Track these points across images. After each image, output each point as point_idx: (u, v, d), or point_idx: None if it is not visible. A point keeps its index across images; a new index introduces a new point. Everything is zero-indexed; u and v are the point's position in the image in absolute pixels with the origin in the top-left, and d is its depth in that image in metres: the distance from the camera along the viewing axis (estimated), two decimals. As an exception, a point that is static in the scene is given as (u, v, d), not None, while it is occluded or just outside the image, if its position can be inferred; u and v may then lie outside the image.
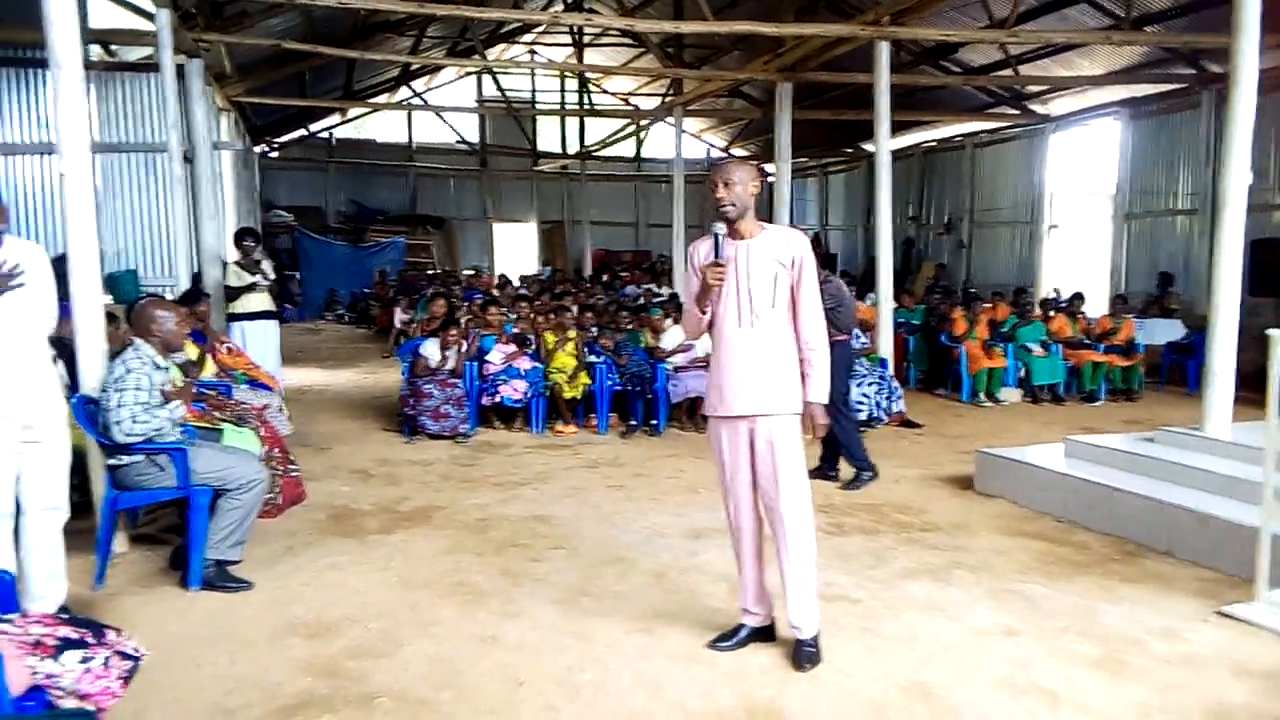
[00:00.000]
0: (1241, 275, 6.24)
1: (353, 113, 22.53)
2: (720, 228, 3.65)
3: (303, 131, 22.54)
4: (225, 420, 5.28)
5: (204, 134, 10.11)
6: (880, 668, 3.66)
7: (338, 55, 13.02)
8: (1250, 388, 6.26)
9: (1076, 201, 16.70)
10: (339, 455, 7.54)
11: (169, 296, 7.11)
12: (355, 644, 3.87)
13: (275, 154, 22.59)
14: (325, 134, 23.46)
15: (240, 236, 9.01)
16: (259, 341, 8.57)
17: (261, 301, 8.72)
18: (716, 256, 3.61)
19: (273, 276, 8.89)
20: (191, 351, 6.31)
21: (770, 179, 13.36)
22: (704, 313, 3.73)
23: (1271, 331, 4.37)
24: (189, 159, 10.09)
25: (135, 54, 11.86)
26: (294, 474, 5.64)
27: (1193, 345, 11.00)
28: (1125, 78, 13.94)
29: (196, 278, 9.52)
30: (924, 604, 4.38)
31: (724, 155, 26.22)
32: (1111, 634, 4.03)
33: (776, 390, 3.64)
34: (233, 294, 8.65)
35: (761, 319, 3.63)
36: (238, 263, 8.75)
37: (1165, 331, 12.06)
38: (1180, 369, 11.69)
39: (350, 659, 3.72)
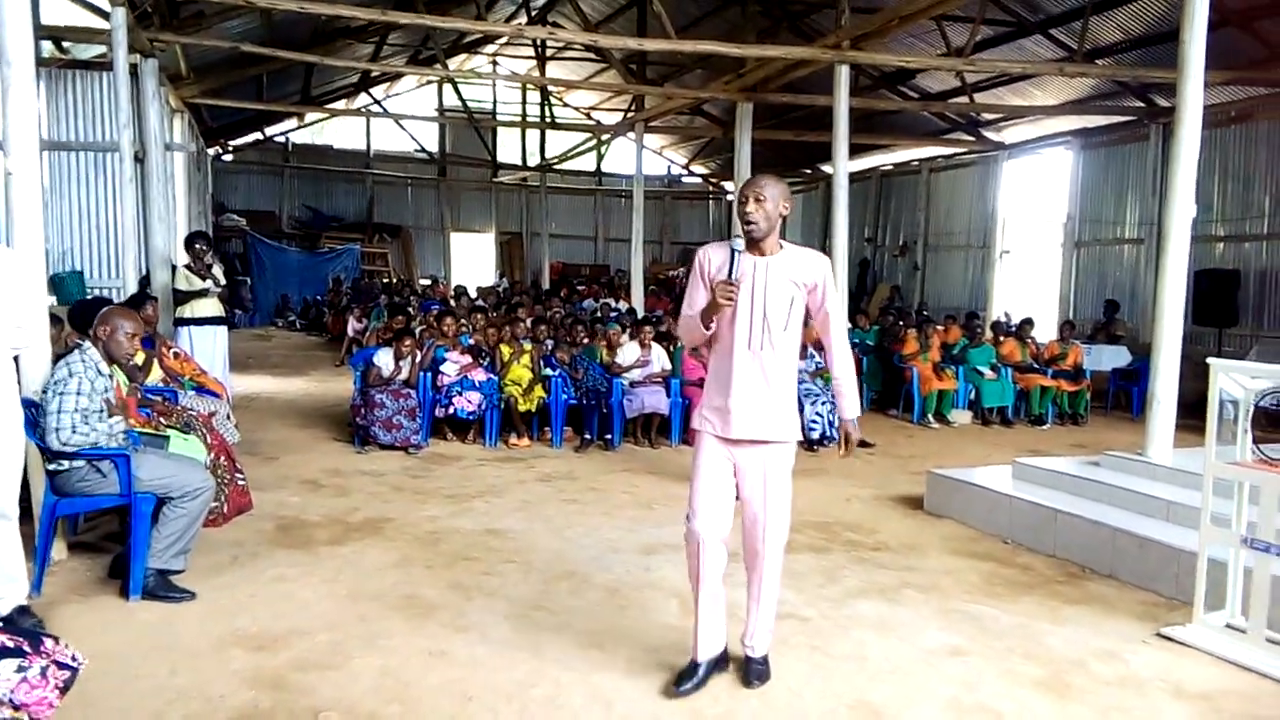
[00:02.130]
0: (1185, 305, 6.41)
1: (310, 118, 22.31)
2: (739, 243, 3.47)
3: (258, 135, 22.25)
4: (171, 427, 5.17)
5: (157, 135, 9.94)
6: (829, 686, 3.68)
7: (296, 60, 12.89)
8: (1192, 415, 6.43)
9: (1028, 228, 17.04)
10: (288, 464, 7.42)
11: (116, 299, 6.97)
12: (301, 656, 3.80)
13: (230, 157, 22.26)
14: (282, 138, 23.19)
15: (191, 240, 8.86)
16: (207, 347, 8.42)
17: (211, 307, 8.57)
18: (730, 274, 3.42)
19: (224, 281, 8.75)
20: (138, 356, 6.18)
21: (729, 197, 13.44)
22: (708, 328, 3.54)
23: (1212, 360, 4.49)
24: (140, 159, 9.91)
25: (89, 52, 11.65)
26: (241, 483, 5.53)
27: (1137, 372, 11.26)
28: (1077, 109, 14.29)
29: (144, 281, 9.34)
30: (873, 623, 4.42)
31: (684, 172, 26.39)
32: (1055, 655, 4.10)
33: (780, 418, 3.54)
34: (182, 298, 8.50)
35: (773, 342, 3.49)
36: (188, 266, 8.60)
37: (1111, 358, 12.33)
38: (1125, 394, 11.96)
39: (296, 671, 3.66)
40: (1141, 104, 13.59)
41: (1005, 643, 4.21)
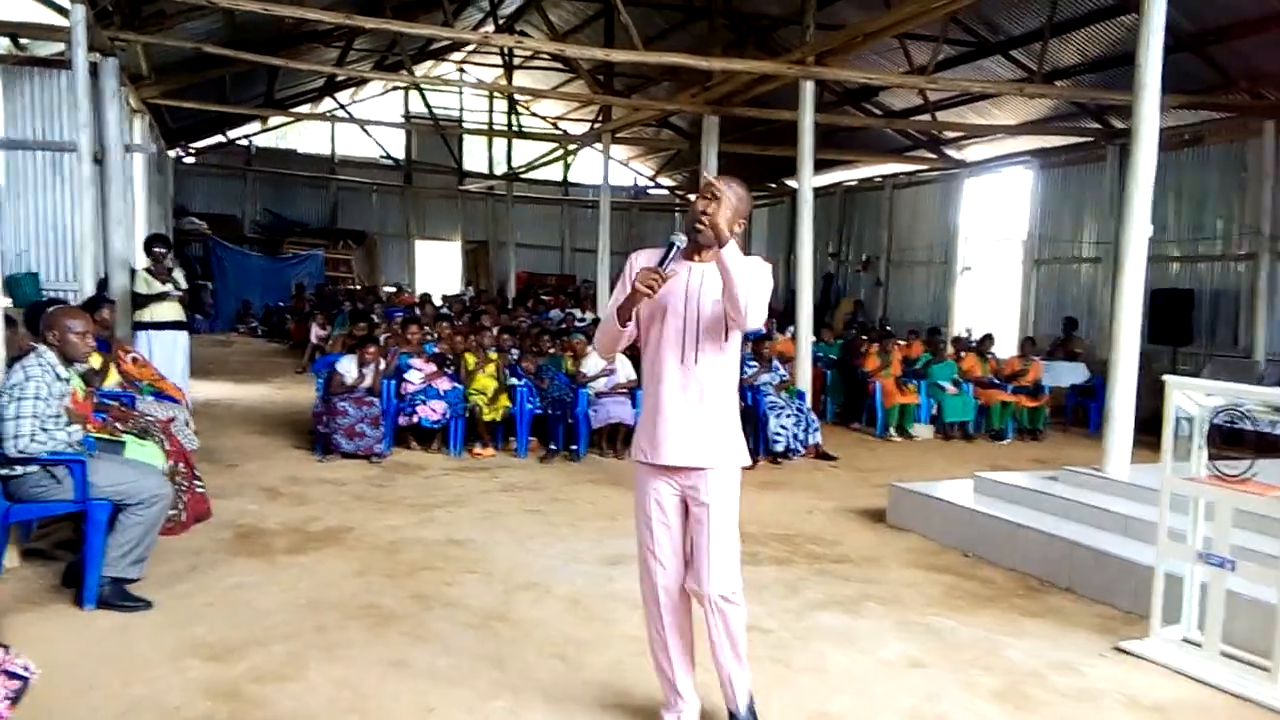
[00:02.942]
0: (1141, 323, 6.53)
1: (274, 121, 22.09)
2: (680, 239, 3.15)
3: (221, 138, 21.99)
4: (128, 432, 5.09)
5: (116, 135, 9.79)
6: (789, 698, 3.68)
7: (260, 62, 12.77)
8: (1148, 431, 6.53)
9: (988, 245, 17.29)
10: (248, 472, 7.32)
11: (72, 302, 6.84)
12: (259, 667, 3.74)
13: (191, 159, 21.96)
14: (245, 141, 22.93)
15: (151, 243, 8.74)
16: (166, 352, 8.30)
17: (171, 311, 8.45)
18: (662, 265, 3.07)
19: (184, 285, 8.63)
20: (95, 360, 6.07)
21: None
22: (623, 325, 3.13)
23: (1167, 377, 4.58)
24: (99, 160, 9.73)
25: (47, 49, 11.44)
26: (200, 490, 5.45)
27: (1095, 388, 11.44)
28: (1036, 128, 14.54)
29: (102, 284, 9.17)
30: (834, 635, 4.44)
31: (651, 184, 26.46)
32: (1014, 667, 4.14)
33: (717, 441, 3.14)
34: (141, 302, 8.37)
35: (707, 358, 3.12)
36: (147, 270, 8.47)
37: (1069, 374, 12.52)
38: (1083, 411, 12.14)
39: (253, 682, 3.60)
40: (1099, 125, 13.86)
41: (965, 655, 4.25)
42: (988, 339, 11.99)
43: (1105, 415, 6.60)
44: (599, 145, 16.92)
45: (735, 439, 3.21)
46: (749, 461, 3.27)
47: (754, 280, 2.98)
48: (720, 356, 3.16)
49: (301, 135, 24.45)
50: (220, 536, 5.47)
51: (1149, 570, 4.51)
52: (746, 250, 3.20)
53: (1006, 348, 13.34)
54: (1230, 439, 5.33)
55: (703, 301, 3.11)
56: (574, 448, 8.54)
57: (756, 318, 3.01)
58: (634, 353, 9.59)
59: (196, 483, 5.44)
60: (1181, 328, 12.21)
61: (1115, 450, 6.38)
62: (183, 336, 8.62)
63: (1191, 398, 4.49)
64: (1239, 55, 11.28)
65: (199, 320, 17.18)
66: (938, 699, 3.77)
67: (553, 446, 8.56)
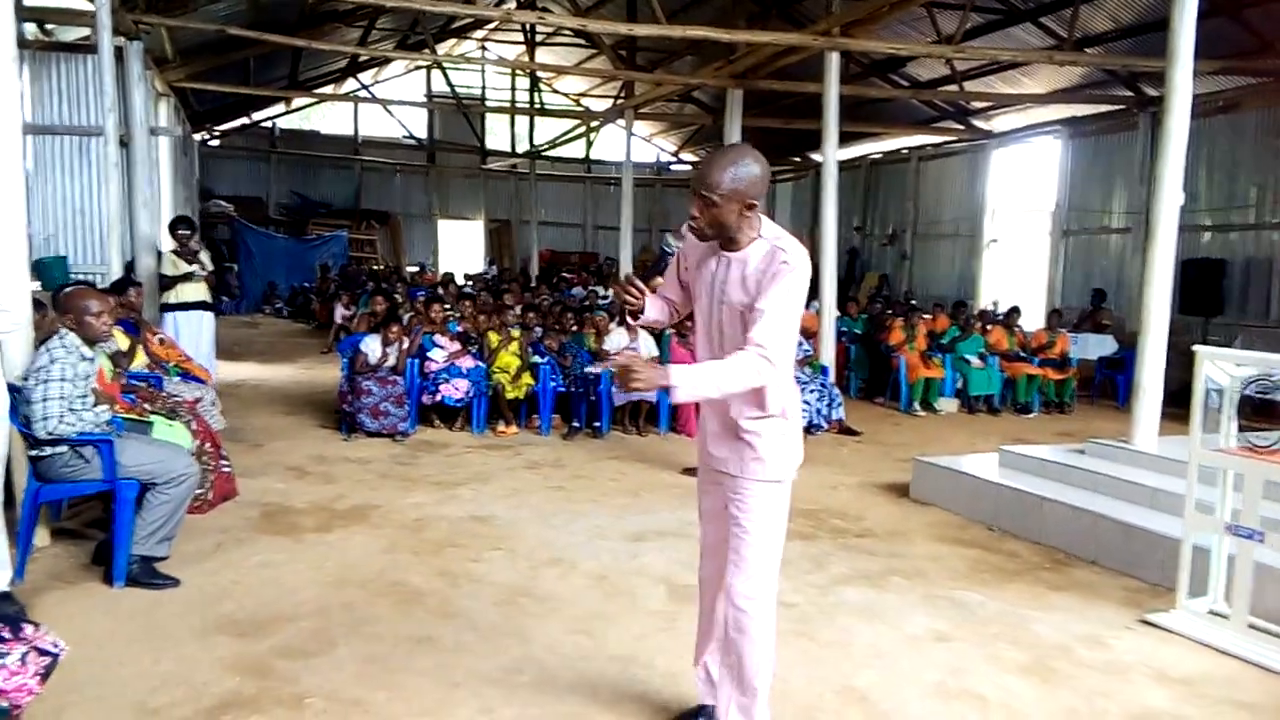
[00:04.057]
0: (1171, 294, 6.43)
1: (297, 103, 22.16)
2: (672, 244, 3.02)
3: (245, 120, 22.09)
4: (155, 413, 5.14)
5: (142, 119, 9.86)
6: (815, 672, 3.68)
7: (284, 44, 12.78)
8: (1177, 403, 6.45)
9: (1016, 217, 17.06)
10: (274, 451, 7.39)
11: (100, 284, 6.91)
12: (286, 643, 3.79)
13: (216, 142, 22.11)
14: (269, 123, 23.03)
15: (175, 225, 8.81)
16: (193, 333, 8.38)
17: (197, 292, 8.52)
18: (654, 273, 3.01)
19: (210, 267, 8.70)
20: (122, 342, 6.14)
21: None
22: (636, 321, 3.14)
23: (1198, 348, 4.51)
24: (125, 144, 9.82)
25: (72, 34, 11.53)
26: (226, 469, 5.51)
27: (1123, 360, 11.30)
28: (1066, 97, 14.29)
29: (129, 266, 9.27)
30: (860, 609, 4.43)
31: (674, 160, 26.32)
32: (1040, 641, 4.12)
33: (740, 450, 2.91)
34: (168, 283, 8.45)
35: (719, 345, 2.91)
36: (174, 252, 8.54)
37: (1097, 346, 12.37)
38: (1111, 383, 12.00)
39: (281, 658, 3.64)
40: (1130, 93, 13.60)
41: (990, 629, 4.23)
42: (1014, 312, 11.85)
43: (1134, 387, 6.53)
44: (622, 122, 16.85)
45: (766, 449, 2.86)
46: (786, 475, 2.92)
47: (731, 377, 2.65)
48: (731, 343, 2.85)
49: (325, 116, 24.52)
50: (247, 515, 5.53)
51: (1176, 543, 4.46)
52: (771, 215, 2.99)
53: (1034, 320, 13.19)
54: (1261, 410, 5.25)
55: (726, 297, 2.83)
56: (597, 425, 8.55)
57: (764, 376, 2.68)
58: (657, 329, 9.61)
59: (223, 462, 5.50)
60: (1213, 298, 12.02)
61: (1143, 422, 6.31)
62: (209, 317, 8.70)
63: (1222, 368, 4.42)
64: (1276, 19, 11.00)
65: (225, 302, 17.34)
66: (964, 673, 3.76)
67: (575, 424, 8.57)
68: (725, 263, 2.84)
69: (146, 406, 5.22)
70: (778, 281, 2.71)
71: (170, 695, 3.32)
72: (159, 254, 9.16)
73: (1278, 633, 4.05)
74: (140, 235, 9.52)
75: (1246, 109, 12.37)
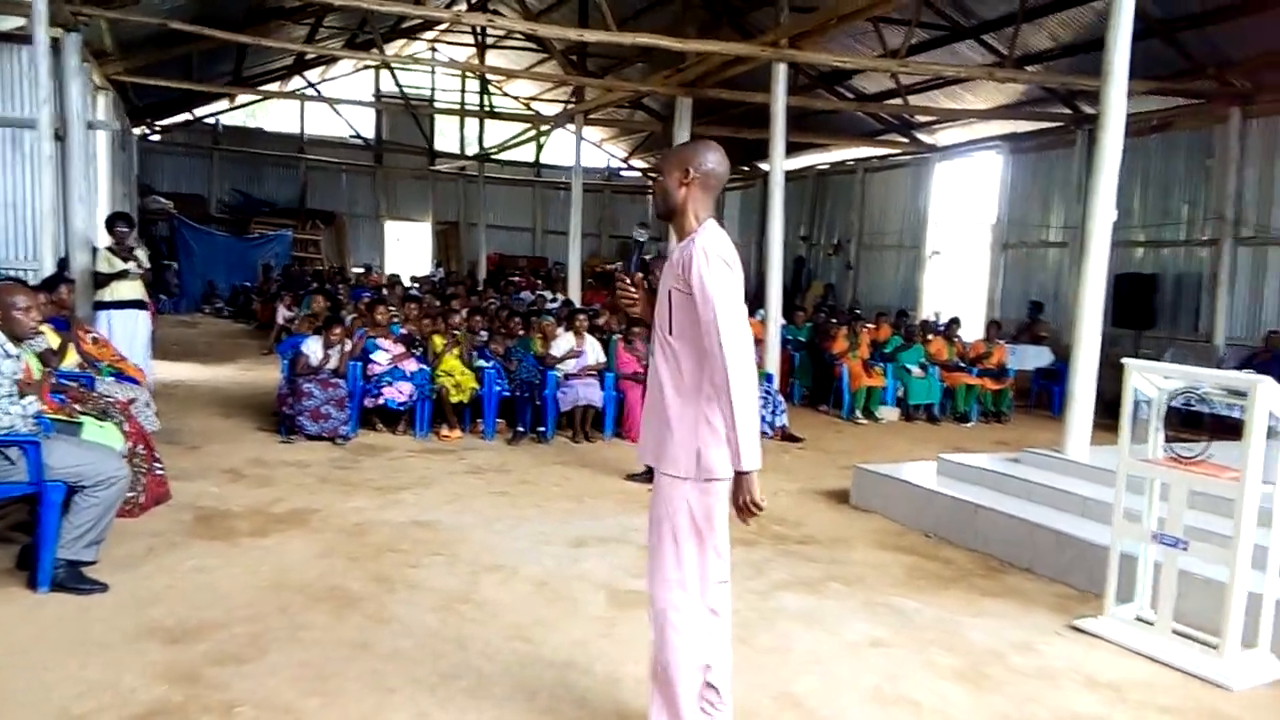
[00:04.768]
0: (1104, 308, 6.59)
1: (242, 100, 21.76)
2: (640, 233, 3.10)
3: (187, 116, 21.64)
4: (86, 413, 5.01)
5: (78, 112, 9.61)
6: (753, 678, 3.70)
7: (228, 39, 12.55)
8: (1111, 414, 6.61)
9: (958, 229, 17.38)
10: (210, 454, 7.24)
11: (31, 281, 6.72)
12: (218, 649, 3.72)
13: (157, 137, 21.61)
14: (212, 120, 22.59)
15: (112, 221, 8.59)
16: (127, 332, 8.17)
17: (132, 290, 8.32)
18: (629, 267, 3.03)
19: (147, 264, 8.50)
20: (53, 340, 5.97)
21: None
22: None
23: (1126, 360, 4.63)
24: (60, 137, 9.56)
25: (7, 23, 11.16)
26: (160, 472, 5.39)
27: (1059, 371, 11.55)
28: (1007, 113, 14.61)
29: (63, 263, 9.02)
30: (799, 616, 4.48)
31: (624, 166, 26.37)
32: (974, 647, 4.19)
33: (668, 443, 2.88)
34: (102, 281, 8.23)
35: (668, 345, 2.89)
36: (109, 248, 8.34)
37: (1034, 358, 12.65)
38: (1048, 393, 12.28)
39: (211, 665, 3.57)
40: (1068, 111, 13.94)
41: (927, 635, 4.30)
42: (954, 323, 12.08)
43: (1066, 398, 6.68)
44: (571, 126, 16.83)
45: (688, 448, 2.85)
46: (713, 475, 2.88)
47: (740, 406, 2.72)
48: (678, 347, 2.87)
49: (270, 114, 24.12)
50: (181, 519, 5.42)
51: (1105, 550, 4.58)
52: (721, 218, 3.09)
53: (973, 331, 13.45)
54: (1189, 421, 5.41)
55: (663, 284, 2.91)
56: (542, 430, 8.52)
57: (735, 366, 2.73)
58: (603, 334, 9.61)
59: (156, 465, 5.38)
60: (1144, 312, 12.36)
61: (1075, 433, 6.46)
62: (144, 316, 8.49)
63: (1149, 380, 4.55)
64: (1208, 42, 11.38)
65: (163, 300, 16.95)
66: (899, 679, 3.81)
67: (520, 429, 8.53)
68: (672, 250, 2.97)
69: (77, 407, 5.08)
70: (698, 269, 2.77)
71: (96, 702, 3.24)
72: (94, 250, 8.93)
73: (1201, 638, 4.17)
74: (75, 231, 9.27)
75: (1179, 129, 12.75)
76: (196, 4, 12.91)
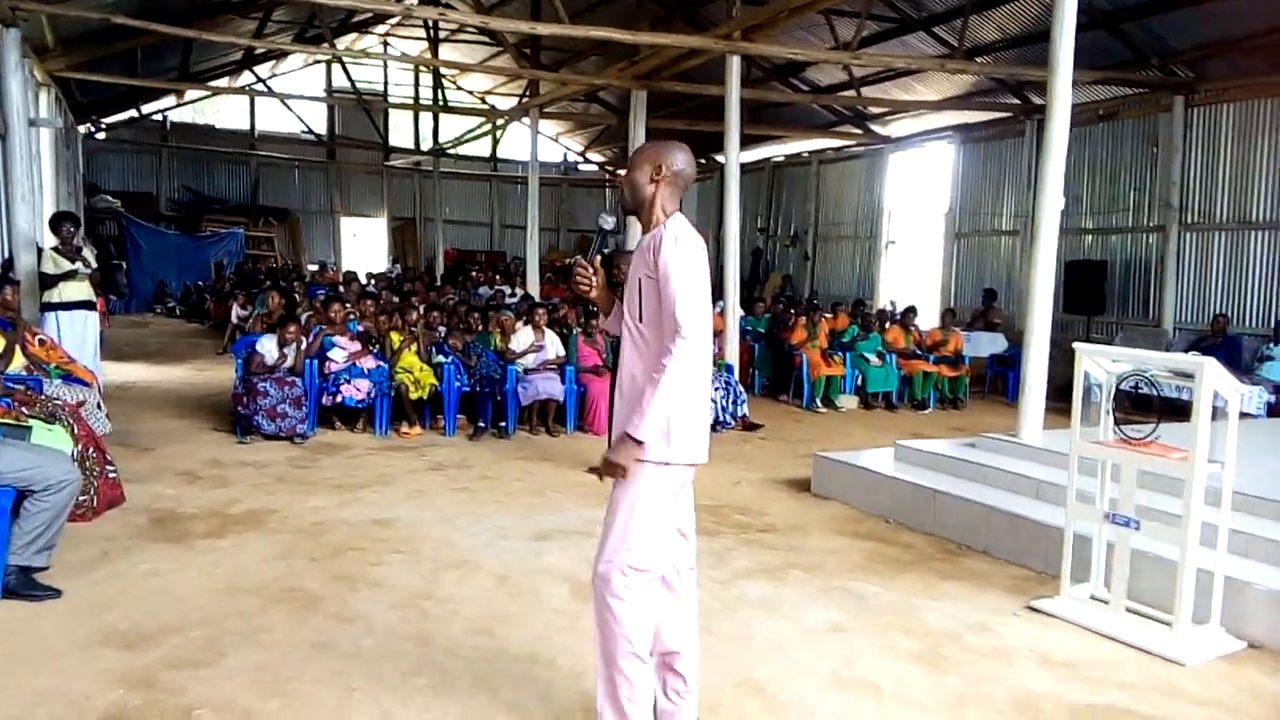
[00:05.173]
0: (1055, 294, 6.70)
1: (190, 95, 21.37)
2: (607, 220, 3.19)
3: (134, 113, 21.23)
4: (34, 417, 4.90)
5: (19, 109, 9.38)
6: (714, 666, 3.72)
7: (172, 34, 12.32)
8: (1064, 398, 6.73)
9: (912, 219, 17.57)
10: (164, 456, 7.13)
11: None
12: (174, 654, 3.66)
13: (102, 135, 21.17)
14: (159, 117, 22.16)
15: (58, 221, 8.41)
16: (76, 333, 8.02)
17: (80, 290, 8.16)
18: (590, 253, 3.08)
19: (94, 264, 8.34)
20: (-4, 341, 5.85)
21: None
22: (605, 314, 3.21)
23: (1077, 344, 4.72)
24: (1, 135, 9.34)
25: (-59, 18, 10.86)
26: (112, 475, 5.29)
27: (1013, 358, 11.73)
28: (958, 104, 14.80)
29: (6, 264, 8.83)
30: (759, 603, 4.51)
31: (580, 159, 26.30)
32: (931, 629, 4.25)
33: (626, 423, 2.89)
34: (49, 282, 8.06)
35: (639, 333, 2.95)
36: (55, 249, 8.16)
37: (988, 344, 12.83)
38: (1002, 379, 12.45)
39: (168, 669, 3.52)
40: (1017, 101, 14.15)
41: (884, 619, 4.35)
42: (911, 311, 12.21)
43: (1020, 383, 6.79)
44: (527, 120, 16.76)
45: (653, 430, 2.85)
46: (679, 459, 2.91)
47: (664, 386, 2.77)
48: (643, 333, 2.94)
49: (220, 110, 23.72)
50: (135, 522, 5.33)
51: (1060, 531, 4.66)
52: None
53: (929, 319, 13.60)
54: (1139, 404, 5.53)
55: (631, 272, 3.00)
56: (503, 425, 8.49)
57: (678, 353, 2.79)
58: (563, 328, 9.59)
59: (109, 468, 5.28)
60: (1095, 298, 12.59)
61: (1029, 417, 6.56)
62: (93, 316, 8.34)
63: (1099, 364, 4.63)
64: (1150, 32, 11.60)
65: (113, 301, 16.61)
66: (858, 663, 3.86)
67: (481, 424, 8.49)
68: (640, 241, 3.03)
69: (24, 410, 4.97)
70: (662, 258, 2.85)
71: (49, 711, 3.18)
72: (39, 251, 8.74)
73: (1154, 615, 4.26)
74: (18, 231, 9.06)
75: (1125, 117, 13.00)
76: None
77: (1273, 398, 9.69)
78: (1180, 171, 12.12)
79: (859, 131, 17.57)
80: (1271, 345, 10.41)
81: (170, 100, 21.45)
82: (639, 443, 2.82)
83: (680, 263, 2.85)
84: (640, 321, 2.94)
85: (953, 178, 16.15)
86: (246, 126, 23.42)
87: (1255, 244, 11.58)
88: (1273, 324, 10.81)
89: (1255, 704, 3.64)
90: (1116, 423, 4.57)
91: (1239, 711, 3.57)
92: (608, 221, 3.21)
